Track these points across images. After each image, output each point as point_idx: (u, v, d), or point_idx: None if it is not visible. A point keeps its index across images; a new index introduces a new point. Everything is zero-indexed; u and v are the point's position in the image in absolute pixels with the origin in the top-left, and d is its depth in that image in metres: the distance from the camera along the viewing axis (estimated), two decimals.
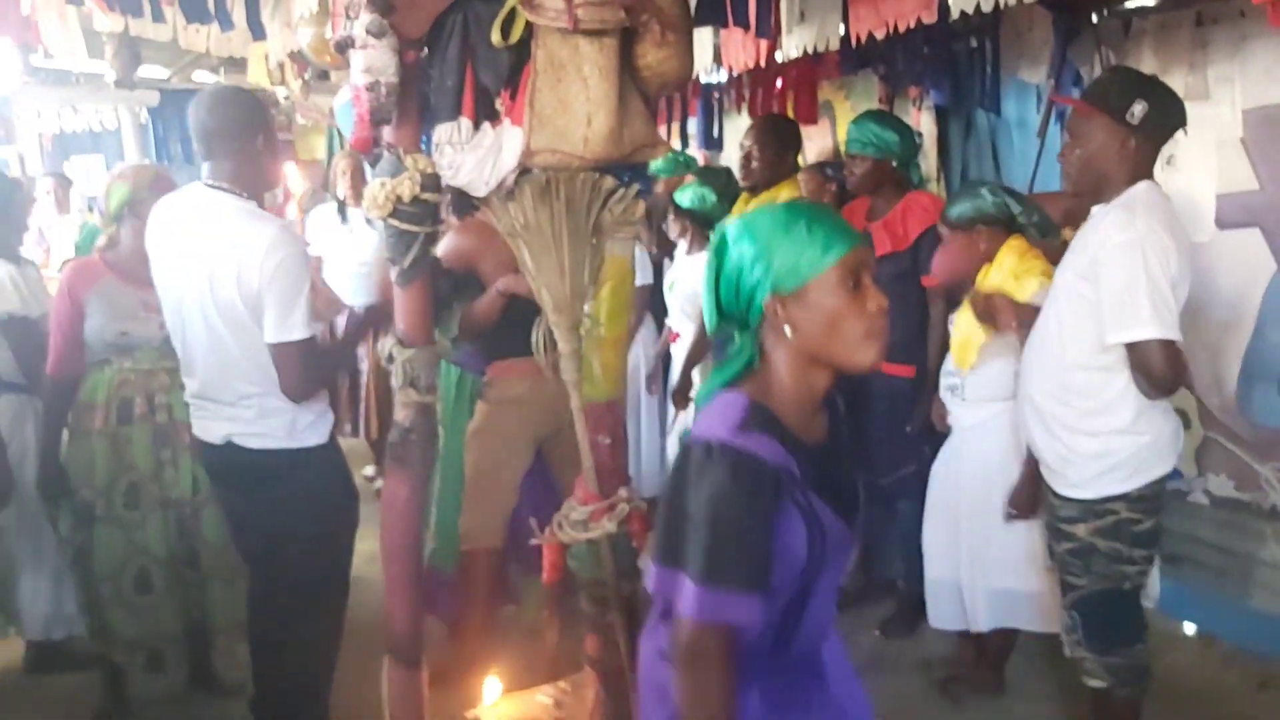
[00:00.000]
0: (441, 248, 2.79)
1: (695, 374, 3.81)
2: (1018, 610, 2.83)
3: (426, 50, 2.00)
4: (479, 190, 2.00)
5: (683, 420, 3.87)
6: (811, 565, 1.35)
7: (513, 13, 1.89)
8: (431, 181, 2.00)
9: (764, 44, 3.65)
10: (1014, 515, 2.71)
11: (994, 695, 2.99)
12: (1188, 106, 2.33)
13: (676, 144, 5.31)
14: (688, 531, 1.30)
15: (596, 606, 2.33)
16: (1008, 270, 2.72)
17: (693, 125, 5.43)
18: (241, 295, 2.26)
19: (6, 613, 3.18)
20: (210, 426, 2.43)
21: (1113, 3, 3.33)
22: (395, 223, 2.02)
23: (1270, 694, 2.96)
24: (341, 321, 2.88)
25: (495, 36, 1.89)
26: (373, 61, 1.87)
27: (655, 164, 4.27)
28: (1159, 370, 2.19)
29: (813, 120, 4.77)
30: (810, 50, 3.58)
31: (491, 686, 2.54)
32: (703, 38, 4.05)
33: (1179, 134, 2.33)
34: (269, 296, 2.25)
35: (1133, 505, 2.31)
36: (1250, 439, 3.11)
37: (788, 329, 1.36)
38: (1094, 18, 3.38)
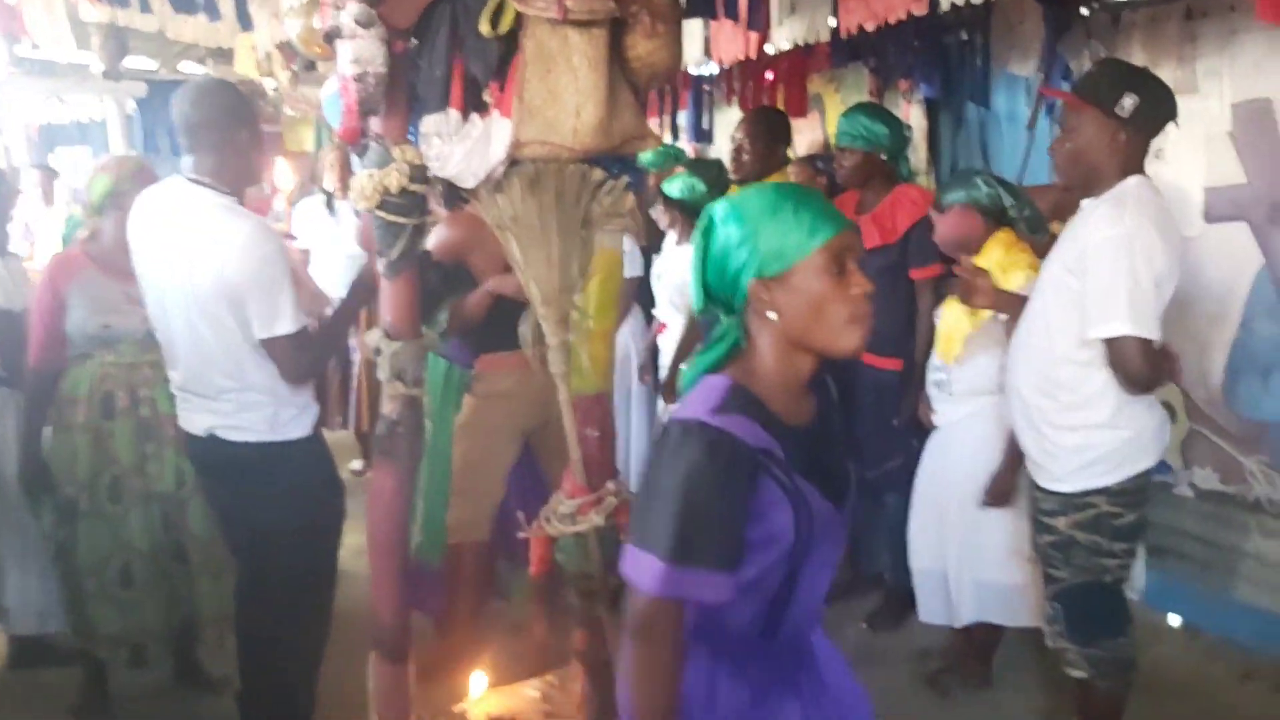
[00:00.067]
0: (431, 240, 2.78)
1: (684, 369, 3.80)
2: (1003, 603, 2.84)
3: (415, 41, 1.99)
4: (467, 182, 1.99)
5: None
6: (799, 548, 1.34)
7: (501, 3, 1.88)
8: (419, 173, 1.99)
9: (754, 36, 3.65)
10: (988, 504, 2.73)
11: (982, 687, 3.00)
12: (1176, 100, 2.33)
13: (667, 137, 5.31)
14: (659, 509, 1.30)
15: (584, 600, 2.33)
16: (994, 262, 2.73)
17: (683, 118, 5.43)
18: (219, 292, 2.25)
19: None
20: (194, 418, 2.42)
21: None
22: (383, 214, 2.01)
23: (1254, 685, 2.98)
24: (329, 314, 2.87)
25: (484, 27, 1.88)
26: (361, 52, 1.86)
27: (645, 157, 4.26)
28: (1134, 367, 2.20)
29: (802, 113, 4.77)
30: (800, 43, 3.58)
31: (478, 680, 2.54)
32: (692, 30, 4.05)
33: (1168, 127, 2.33)
34: (251, 295, 2.24)
35: (1113, 499, 2.31)
36: (1235, 432, 3.13)
37: (772, 313, 1.35)
38: (1084, 11, 3.39)
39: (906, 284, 3.23)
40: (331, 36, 1.90)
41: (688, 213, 3.77)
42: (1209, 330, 3.13)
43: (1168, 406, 2.63)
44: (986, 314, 2.72)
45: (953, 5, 2.78)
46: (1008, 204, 2.77)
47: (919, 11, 2.95)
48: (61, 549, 2.81)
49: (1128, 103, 2.21)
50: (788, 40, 3.64)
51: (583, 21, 1.88)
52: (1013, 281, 2.67)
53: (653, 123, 4.71)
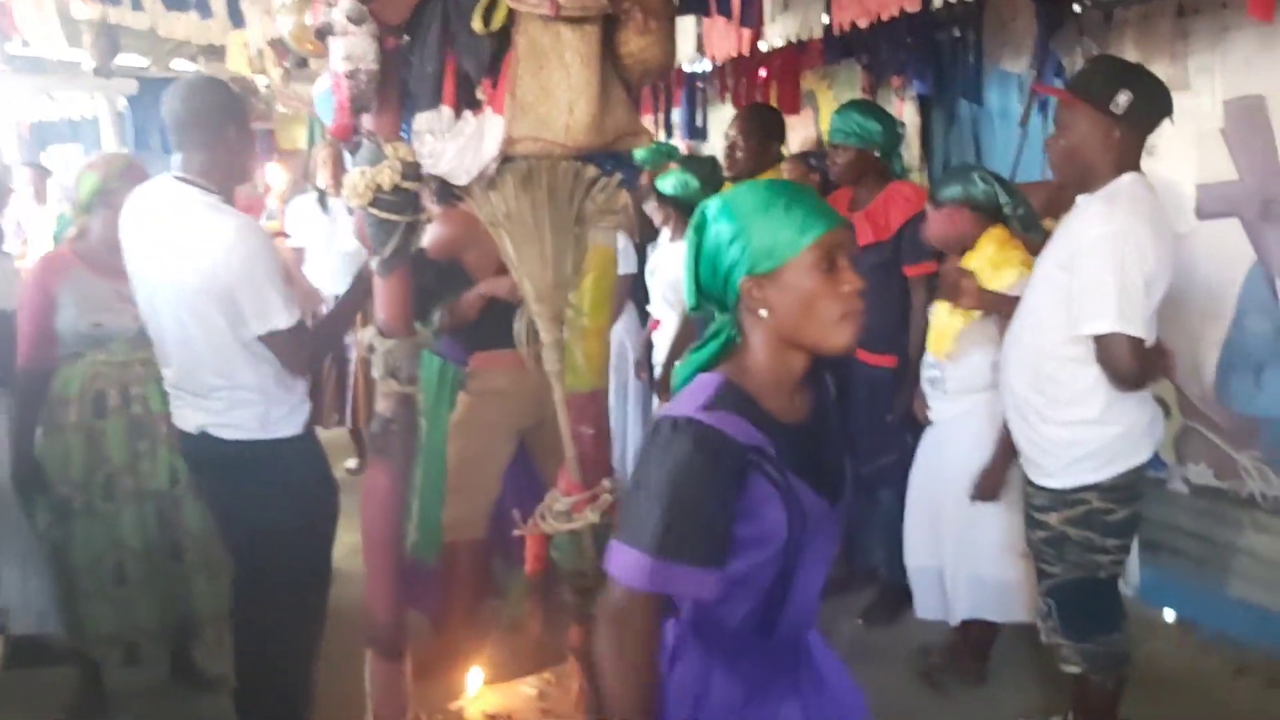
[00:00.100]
0: (425, 238, 2.78)
1: (678, 366, 3.80)
2: (998, 599, 2.84)
3: (407, 37, 1.98)
4: (460, 179, 1.98)
5: None
6: (792, 545, 1.34)
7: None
8: (412, 170, 1.98)
9: (747, 33, 3.65)
10: (978, 498, 2.74)
11: (977, 683, 3.00)
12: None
13: (661, 135, 5.30)
14: (646, 503, 1.30)
15: (580, 597, 2.32)
16: (986, 259, 2.73)
17: (676, 115, 5.42)
18: (207, 290, 2.24)
19: None
20: (186, 416, 2.42)
21: None
22: (375, 211, 2.00)
23: (1247, 680, 2.99)
24: (323, 312, 2.86)
25: (476, 23, 1.88)
26: (353, 48, 1.85)
27: (638, 154, 4.26)
28: (1123, 365, 2.20)
29: (796, 110, 4.76)
30: (793, 39, 3.57)
31: (475, 678, 2.53)
32: (685, 26, 4.04)
33: (1163, 124, 2.33)
34: (240, 292, 2.24)
35: (1105, 495, 2.32)
36: (1229, 427, 3.14)
37: (763, 310, 1.35)
38: (1076, 8, 3.39)
39: (900, 281, 3.23)
40: (323, 33, 1.89)
41: (681, 210, 3.77)
42: (1202, 326, 3.14)
43: (1161, 402, 2.64)
44: (975, 312, 2.72)
45: (945, 2, 2.78)
46: (1003, 201, 2.78)
47: (912, 8, 2.95)
48: (55, 548, 2.80)
49: (1122, 99, 2.21)
50: (781, 37, 3.63)
51: (575, 18, 1.87)
52: (1005, 279, 2.67)
53: (646, 120, 4.70)
